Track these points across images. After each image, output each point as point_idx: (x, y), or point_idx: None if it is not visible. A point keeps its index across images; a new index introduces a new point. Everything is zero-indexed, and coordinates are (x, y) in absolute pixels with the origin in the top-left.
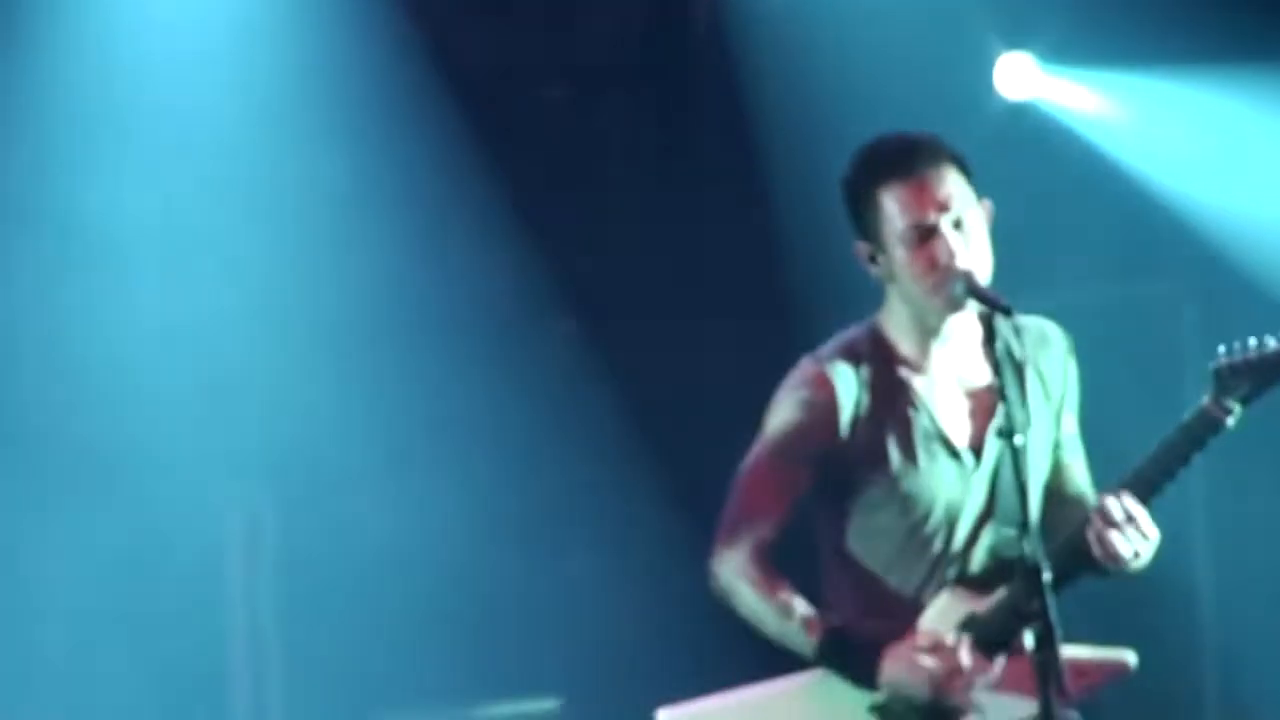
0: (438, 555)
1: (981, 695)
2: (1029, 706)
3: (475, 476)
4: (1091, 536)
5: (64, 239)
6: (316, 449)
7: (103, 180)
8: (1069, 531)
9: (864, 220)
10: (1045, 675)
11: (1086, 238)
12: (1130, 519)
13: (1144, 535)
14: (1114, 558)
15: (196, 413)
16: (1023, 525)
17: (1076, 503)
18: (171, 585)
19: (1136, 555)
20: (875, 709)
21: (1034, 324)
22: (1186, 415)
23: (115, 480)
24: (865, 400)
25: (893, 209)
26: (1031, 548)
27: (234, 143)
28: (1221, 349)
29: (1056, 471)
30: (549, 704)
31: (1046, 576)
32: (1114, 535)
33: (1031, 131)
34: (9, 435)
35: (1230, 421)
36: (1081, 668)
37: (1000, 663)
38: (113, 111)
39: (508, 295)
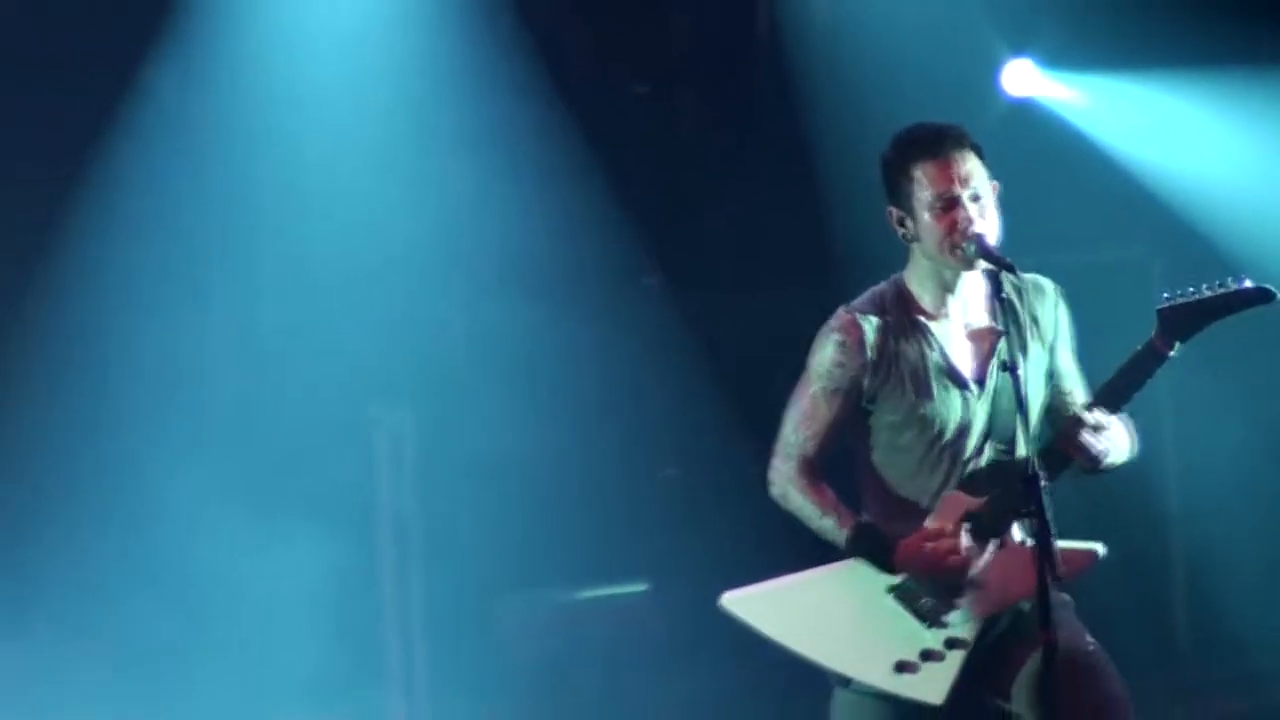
0: (552, 463)
1: (977, 575)
2: (1020, 589)
3: (585, 399)
4: (1069, 440)
5: (246, 216)
6: (451, 376)
7: (280, 163)
8: (1051, 437)
9: (898, 191)
10: (1042, 561)
11: (1075, 210)
12: (1099, 426)
13: (1111, 440)
14: (1090, 458)
15: (355, 353)
16: (1018, 440)
17: (1068, 403)
18: (333, 489)
19: (1105, 454)
20: (893, 588)
21: (1031, 279)
22: (1138, 348)
23: (290, 408)
24: (889, 341)
25: (923, 182)
26: (1029, 456)
27: (387, 132)
28: (1165, 294)
29: (1058, 396)
30: (640, 587)
31: (1042, 481)
32: (1088, 438)
33: (1031, 123)
34: (213, 373)
35: (1172, 354)
36: (1065, 557)
37: (991, 549)
38: (289, 100)
39: (605, 254)
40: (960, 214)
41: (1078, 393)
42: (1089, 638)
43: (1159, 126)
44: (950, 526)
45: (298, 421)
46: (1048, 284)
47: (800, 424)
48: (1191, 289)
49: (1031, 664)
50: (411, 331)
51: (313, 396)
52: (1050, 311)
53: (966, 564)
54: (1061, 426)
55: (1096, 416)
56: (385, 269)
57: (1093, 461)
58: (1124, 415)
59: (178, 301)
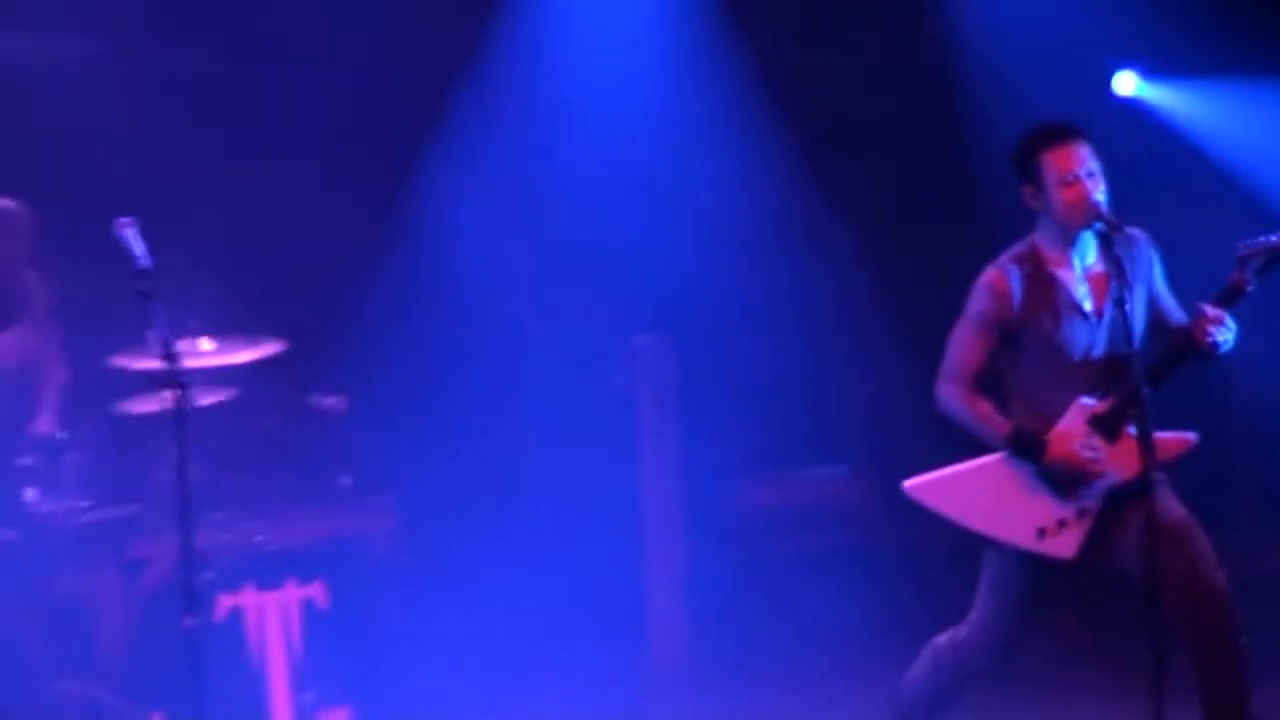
0: (781, 371)
1: (1101, 462)
2: (1130, 471)
3: (809, 321)
4: (1198, 327)
5: (547, 185)
6: (701, 310)
7: (546, 156)
8: (1182, 332)
9: (1031, 172)
10: (1144, 448)
11: (1171, 185)
12: (1220, 318)
13: (1227, 329)
14: (1211, 343)
15: (625, 290)
16: (1128, 358)
17: (1177, 332)
18: (588, 413)
19: (1225, 342)
20: (1039, 474)
21: (1131, 232)
22: (1224, 284)
23: (580, 335)
24: (1027, 287)
25: (1050, 165)
26: (1136, 372)
27: (655, 115)
28: (1241, 242)
29: (1158, 315)
30: (842, 469)
31: (1144, 391)
32: (1211, 327)
33: (1136, 120)
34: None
35: (1249, 288)
36: (1162, 445)
37: (1109, 441)
38: (553, 100)
39: (800, 217)
40: (1081, 188)
41: (1173, 309)
42: (1181, 507)
43: (1244, 123)
44: (1081, 427)
45: (583, 345)
46: (1140, 234)
47: (961, 354)
48: (1261, 238)
49: (1138, 527)
50: (669, 275)
51: (591, 325)
52: (1145, 253)
53: (1095, 455)
54: (1193, 319)
55: (1216, 311)
56: (653, 224)
57: (1212, 347)
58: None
59: (495, 256)
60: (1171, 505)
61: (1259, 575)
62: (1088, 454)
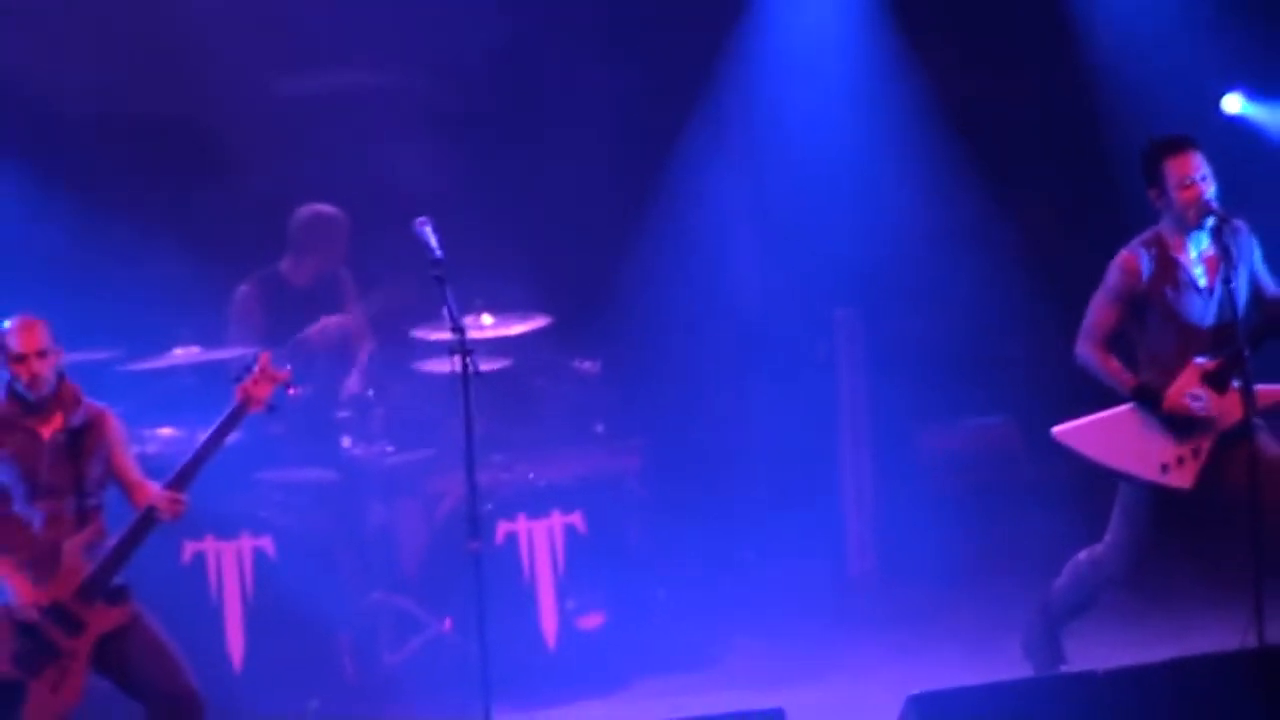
0: (951, 340)
1: (1212, 409)
2: (1235, 417)
3: (974, 299)
4: None
5: (766, 172)
6: (888, 290)
7: (767, 167)
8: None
9: (1155, 176)
10: (1247, 399)
11: (1270, 192)
12: None
13: None
14: None
15: (828, 274)
16: (1233, 325)
17: (1273, 304)
18: (796, 373)
19: None
20: (1162, 420)
21: (1236, 223)
22: None
23: (786, 314)
24: (1154, 267)
25: (1172, 170)
26: (1240, 337)
27: (830, 144)
28: None
29: (1259, 292)
30: (1000, 418)
31: (1246, 352)
32: None
33: (1241, 133)
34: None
35: None
36: (1262, 395)
37: (1218, 394)
38: (771, 120)
39: (965, 215)
40: (1196, 189)
41: (1270, 286)
42: (1277, 446)
43: None
44: (1194, 381)
45: (793, 318)
46: (1243, 224)
47: (1097, 319)
48: None
49: (1242, 463)
50: (863, 261)
51: (800, 302)
52: (1247, 240)
53: (1207, 404)
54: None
55: None
56: (849, 221)
57: None
58: None
59: (725, 247)
60: (1269, 445)
61: None
62: (1198, 405)
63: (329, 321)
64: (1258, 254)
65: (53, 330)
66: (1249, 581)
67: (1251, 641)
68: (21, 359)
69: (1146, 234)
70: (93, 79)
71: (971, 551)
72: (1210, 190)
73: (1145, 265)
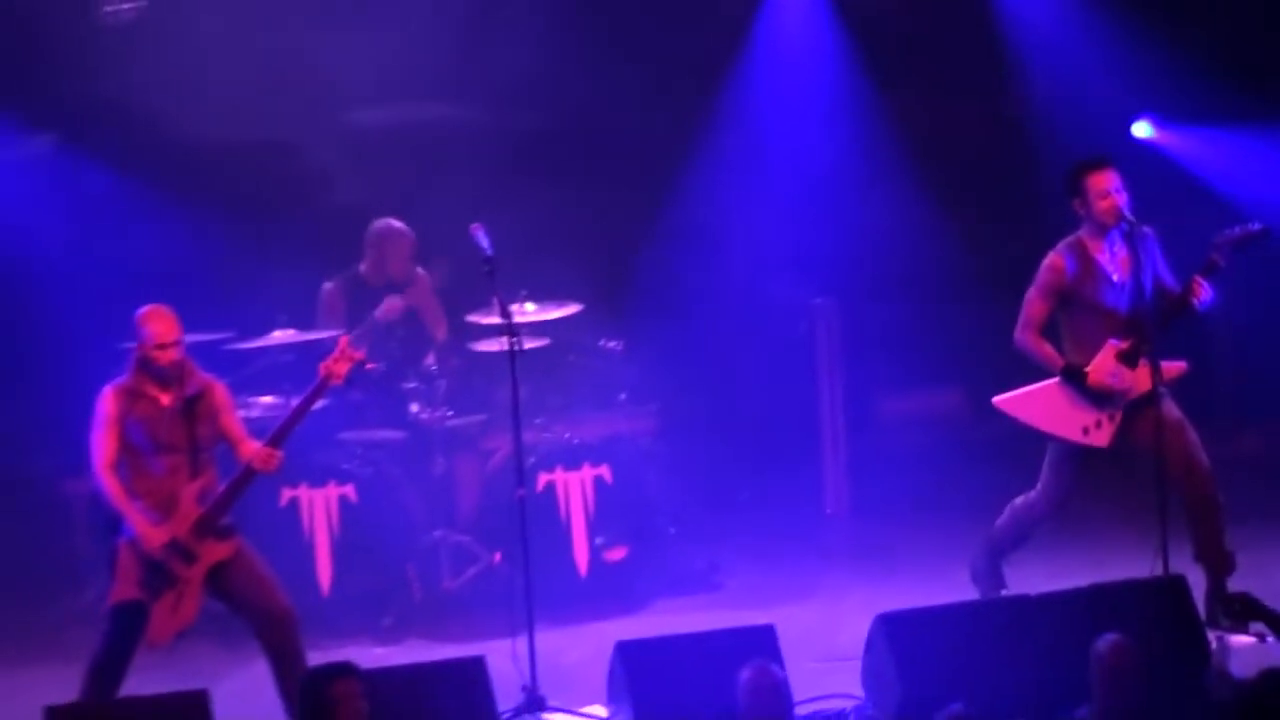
0: (911, 323)
1: (1123, 381)
2: (1145, 386)
3: (931, 289)
4: (1191, 290)
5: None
6: (857, 273)
7: (761, 176)
8: (1177, 294)
9: (1078, 188)
10: (1154, 371)
11: (1172, 204)
12: (1203, 285)
13: (1207, 292)
14: (1198, 302)
15: (808, 262)
16: (1142, 312)
17: (1173, 295)
18: (782, 350)
19: (1206, 301)
20: (1083, 391)
21: (1144, 229)
22: (1204, 262)
23: (773, 302)
24: (1077, 266)
25: (1093, 184)
26: (1147, 322)
27: (813, 158)
28: (1215, 235)
29: (1161, 285)
30: (952, 388)
31: (1153, 334)
32: (1199, 291)
33: (1151, 156)
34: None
35: (1221, 266)
36: (1166, 370)
37: (1128, 368)
38: (767, 135)
39: (921, 220)
40: (1112, 200)
41: (1171, 280)
42: (1178, 410)
43: (1236, 160)
44: (1110, 359)
45: (779, 306)
46: (1150, 230)
47: (1031, 312)
48: (1233, 229)
49: (1150, 424)
50: (838, 258)
51: (781, 291)
52: (1153, 243)
53: (1121, 378)
54: (1185, 285)
55: (1200, 282)
56: (827, 224)
57: (1202, 303)
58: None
59: (725, 245)
60: (1172, 409)
61: (1228, 454)
62: (1114, 379)
63: (391, 302)
64: (1160, 251)
65: (179, 318)
66: (1155, 521)
67: (1158, 569)
68: (161, 347)
69: (1070, 238)
70: (210, 110)
71: (927, 497)
72: (1123, 200)
73: (1070, 264)
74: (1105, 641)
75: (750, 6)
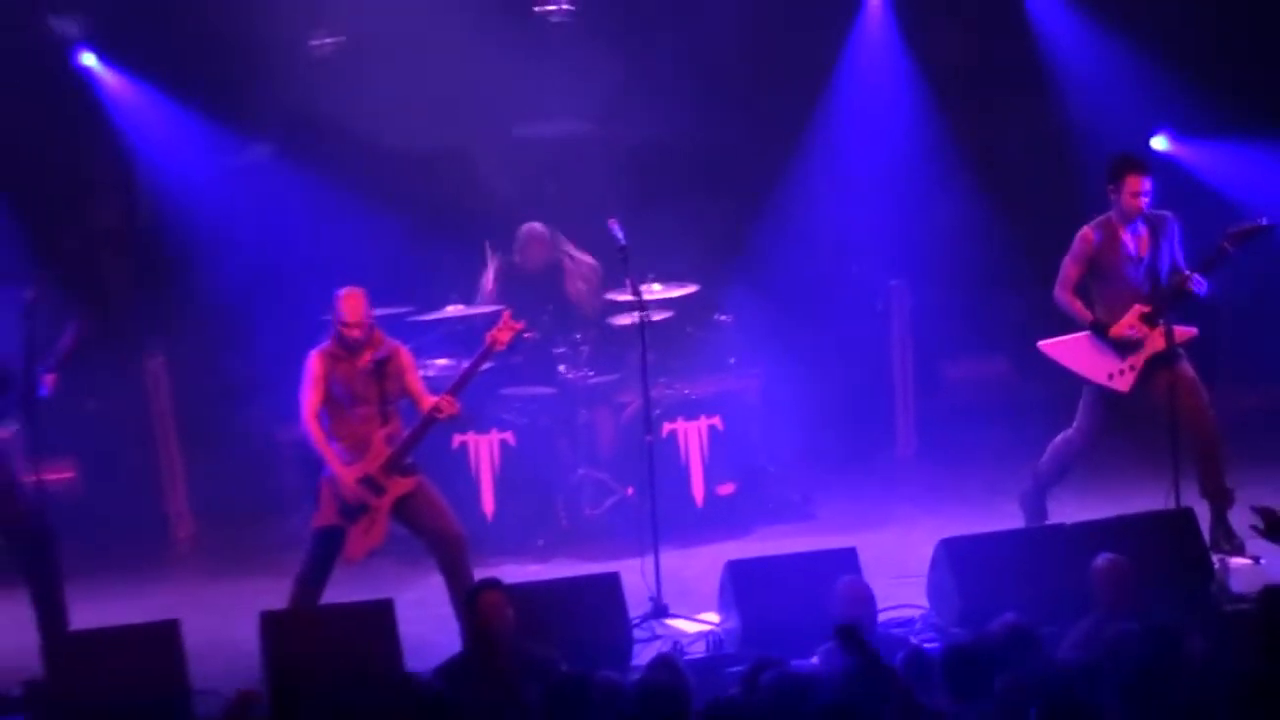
0: (971, 301)
1: (1144, 337)
2: (1160, 345)
3: (990, 274)
4: (1186, 282)
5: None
6: (925, 259)
7: (849, 177)
8: (1177, 282)
9: (1118, 179)
10: (1169, 333)
11: (1186, 209)
12: (1195, 279)
13: (1200, 281)
14: (1192, 290)
15: (884, 247)
16: (1159, 281)
17: (1179, 270)
18: (863, 322)
19: (1203, 290)
20: (1111, 342)
21: (1164, 213)
22: (1214, 248)
23: (857, 281)
24: (1103, 240)
25: (1130, 181)
26: (1164, 290)
27: (888, 161)
28: (1228, 228)
29: (1175, 265)
30: (1000, 354)
31: (1168, 300)
32: (1193, 283)
33: (1170, 167)
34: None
35: (1231, 253)
36: (1179, 332)
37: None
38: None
39: (978, 217)
40: (1140, 202)
41: (1184, 264)
42: (1191, 369)
43: (1244, 171)
44: (1134, 319)
45: (861, 285)
46: (1171, 215)
47: (1066, 273)
48: (1248, 222)
49: (1164, 380)
50: (912, 245)
51: (863, 273)
52: (1170, 227)
53: (1138, 330)
54: (1184, 275)
55: (1195, 275)
56: (900, 217)
57: (1200, 291)
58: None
59: (817, 232)
60: (1187, 369)
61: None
62: (1132, 330)
63: (577, 290)
64: (1178, 236)
65: (369, 297)
66: (1168, 463)
67: (1170, 504)
68: (347, 325)
69: (1102, 217)
70: (396, 123)
71: (981, 443)
72: (1146, 204)
73: (1097, 237)
74: (1103, 559)
75: (835, 48)
